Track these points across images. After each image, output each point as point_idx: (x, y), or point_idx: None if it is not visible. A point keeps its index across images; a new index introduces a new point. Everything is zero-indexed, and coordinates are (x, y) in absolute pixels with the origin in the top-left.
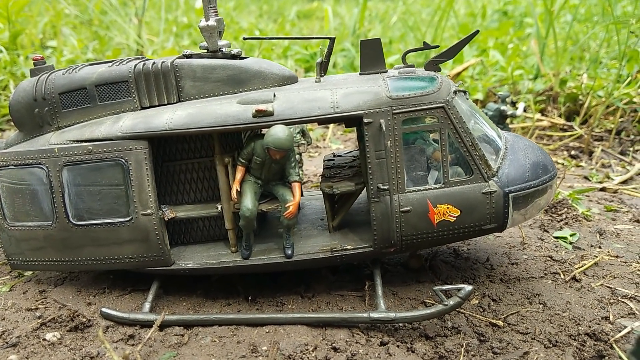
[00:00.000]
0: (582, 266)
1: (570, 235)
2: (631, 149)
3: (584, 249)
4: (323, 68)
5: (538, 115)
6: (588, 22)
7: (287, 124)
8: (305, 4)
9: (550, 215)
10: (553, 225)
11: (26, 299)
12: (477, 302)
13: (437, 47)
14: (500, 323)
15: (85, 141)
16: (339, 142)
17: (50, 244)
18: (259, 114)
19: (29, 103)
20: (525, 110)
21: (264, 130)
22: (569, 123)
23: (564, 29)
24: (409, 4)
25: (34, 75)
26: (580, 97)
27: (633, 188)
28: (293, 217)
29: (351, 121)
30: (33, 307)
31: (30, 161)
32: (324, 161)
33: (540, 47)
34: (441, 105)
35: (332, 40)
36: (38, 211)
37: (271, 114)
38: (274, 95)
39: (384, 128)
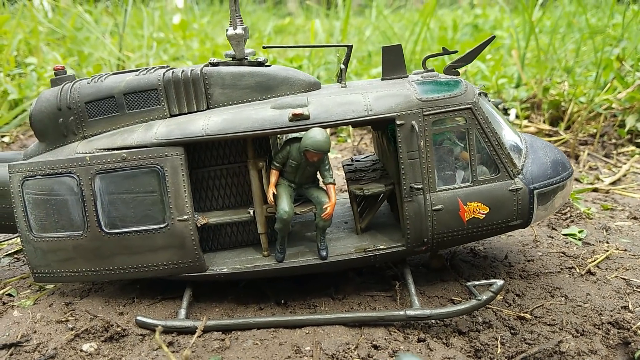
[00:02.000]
0: (595, 260)
1: (579, 232)
2: (615, 151)
3: (593, 245)
4: (342, 74)
5: (525, 122)
6: (557, 33)
7: (323, 127)
8: (277, 19)
9: (556, 215)
10: (560, 224)
11: (54, 312)
12: (502, 297)
13: (455, 52)
14: (528, 316)
15: (118, 149)
16: (335, 152)
17: (80, 254)
18: (295, 117)
19: (52, 113)
20: (517, 117)
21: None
22: (554, 129)
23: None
24: (381, 20)
25: (55, 85)
26: (563, 103)
27: (623, 188)
28: (329, 218)
29: (379, 124)
30: (63, 319)
31: (60, 170)
32: (343, 166)
33: (520, 57)
34: (468, 106)
35: (350, 47)
36: (67, 221)
37: (307, 117)
38: (308, 100)
39: (417, 129)
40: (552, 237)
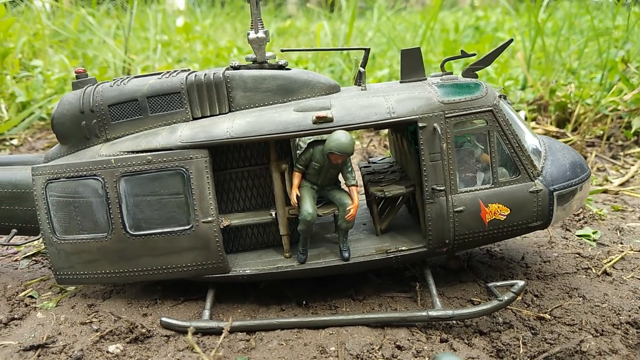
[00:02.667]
0: (610, 261)
1: (593, 233)
2: (621, 153)
3: (608, 245)
4: (360, 77)
5: (532, 124)
6: (560, 35)
7: (346, 130)
8: (277, 22)
9: (570, 216)
10: (573, 225)
11: (77, 313)
12: (521, 298)
13: (474, 55)
14: (547, 316)
15: (142, 152)
16: None
17: (104, 256)
18: (319, 120)
19: (75, 115)
20: (525, 119)
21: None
22: (561, 130)
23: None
24: (382, 22)
25: (76, 88)
26: (569, 105)
27: (632, 189)
28: (352, 220)
29: (398, 127)
30: (87, 321)
31: (84, 173)
32: (360, 168)
33: (526, 59)
34: (490, 109)
35: (368, 50)
36: (91, 223)
37: (331, 120)
38: (330, 102)
39: (439, 131)
40: (567, 239)
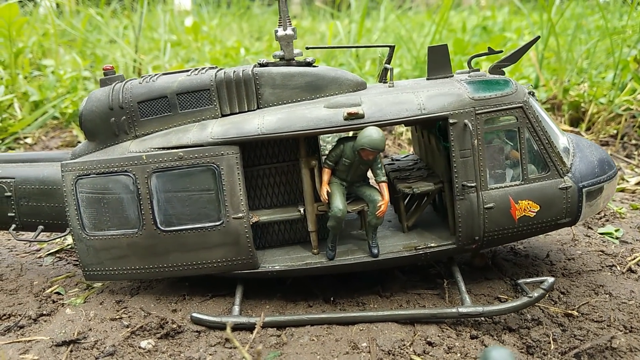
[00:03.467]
0: (635, 258)
1: (615, 231)
2: (636, 152)
3: (631, 243)
4: (386, 74)
5: None
6: (567, 35)
7: (377, 126)
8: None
9: None
10: (595, 223)
11: (106, 309)
12: (548, 295)
13: (500, 52)
14: (575, 313)
15: (173, 148)
16: None
17: (134, 252)
18: (350, 116)
19: (104, 112)
20: None
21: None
22: (575, 130)
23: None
24: (389, 21)
25: (104, 84)
26: (583, 104)
27: None
28: (383, 216)
29: (426, 124)
30: (117, 317)
31: (115, 169)
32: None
33: (538, 58)
34: (520, 105)
35: (392, 48)
36: (122, 219)
37: (362, 116)
38: (361, 99)
39: (470, 128)
40: (589, 236)
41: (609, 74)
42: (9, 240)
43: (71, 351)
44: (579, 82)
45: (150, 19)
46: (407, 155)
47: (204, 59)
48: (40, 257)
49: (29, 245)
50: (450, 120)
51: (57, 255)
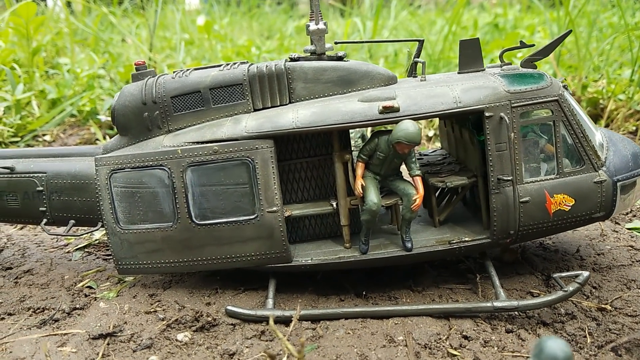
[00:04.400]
0: None
1: None
2: None
3: None
4: (415, 69)
5: None
6: (590, 32)
7: (413, 119)
8: (293, 21)
9: None
10: (622, 218)
11: (140, 303)
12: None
13: (532, 45)
14: (609, 307)
15: (208, 142)
16: None
17: (168, 245)
18: (385, 110)
19: (137, 107)
20: None
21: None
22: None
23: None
24: (400, 19)
25: (136, 79)
26: (601, 101)
27: None
28: (417, 210)
29: (460, 117)
30: (151, 310)
31: (150, 163)
32: None
33: (556, 54)
34: (555, 98)
35: (421, 42)
36: (157, 213)
37: (397, 109)
38: (395, 92)
39: (507, 121)
40: (617, 232)
41: (624, 70)
42: (36, 235)
43: (108, 344)
44: (596, 79)
45: (162, 18)
46: (435, 150)
47: (216, 58)
48: (69, 252)
49: (57, 240)
50: (486, 114)
51: (86, 250)
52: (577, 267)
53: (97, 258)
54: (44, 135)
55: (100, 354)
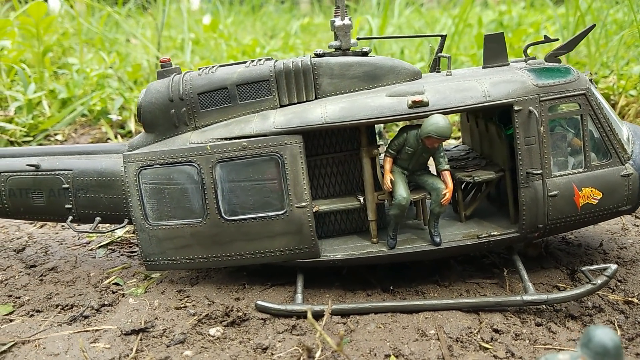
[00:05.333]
0: None
1: None
2: None
3: None
4: (438, 64)
5: None
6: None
7: (442, 114)
8: (296, 20)
9: None
10: None
11: (169, 299)
12: None
13: (556, 40)
14: (635, 300)
15: (236, 138)
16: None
17: (197, 241)
18: (415, 104)
19: (163, 104)
20: None
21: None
22: None
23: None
24: (403, 17)
25: (161, 77)
26: (612, 97)
27: None
28: (447, 204)
29: (486, 112)
30: (181, 306)
31: (180, 159)
32: None
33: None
34: (583, 92)
35: (444, 37)
36: (186, 209)
37: (427, 104)
38: (424, 87)
39: (536, 115)
40: (638, 226)
41: (632, 66)
42: (57, 233)
43: (141, 340)
44: (606, 75)
45: (168, 18)
46: (457, 146)
47: (221, 57)
48: (92, 250)
49: (79, 238)
50: (515, 107)
51: (109, 247)
52: (601, 261)
53: (121, 255)
54: (55, 134)
55: (134, 350)
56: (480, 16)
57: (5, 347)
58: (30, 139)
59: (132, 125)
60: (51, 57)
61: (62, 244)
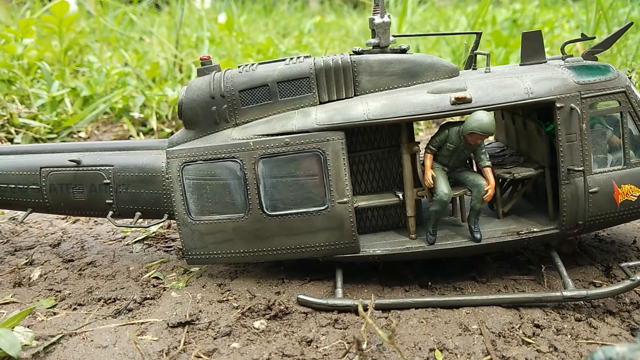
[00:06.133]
0: None
1: None
2: None
3: None
4: (473, 62)
5: None
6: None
7: (485, 110)
8: (307, 19)
9: None
10: None
11: (210, 292)
12: None
13: (594, 38)
14: None
15: (277, 135)
16: None
17: (239, 236)
18: (458, 101)
19: (205, 101)
20: None
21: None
22: None
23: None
24: (418, 15)
25: (202, 74)
26: None
27: None
28: (488, 200)
29: (527, 109)
30: (224, 299)
31: (223, 155)
32: None
33: (585, 48)
34: (623, 90)
35: (479, 35)
36: (228, 204)
37: (470, 100)
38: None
39: (578, 112)
40: None
41: None
42: (91, 229)
43: (187, 332)
44: (628, 73)
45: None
46: (490, 143)
47: (236, 56)
48: (128, 245)
49: (114, 233)
50: (557, 105)
51: (145, 242)
52: (635, 258)
53: (158, 250)
54: (78, 131)
55: (182, 342)
56: (494, 15)
57: (54, 339)
58: (54, 135)
59: (153, 122)
60: (69, 56)
61: (97, 239)
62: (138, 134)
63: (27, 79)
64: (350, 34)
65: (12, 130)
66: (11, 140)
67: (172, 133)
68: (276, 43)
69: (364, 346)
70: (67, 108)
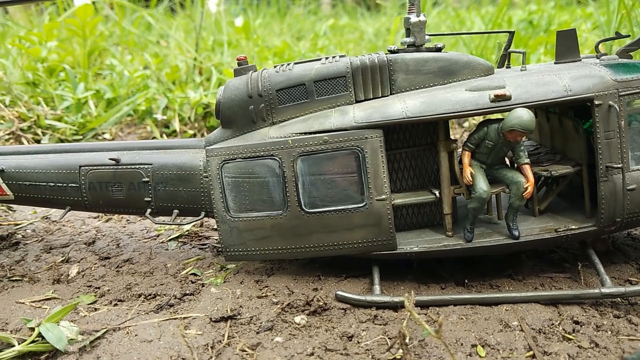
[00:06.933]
0: None
1: None
2: None
3: None
4: (506, 60)
5: None
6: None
7: (525, 107)
8: (321, 21)
9: None
10: None
11: (249, 288)
12: None
13: (628, 36)
14: None
15: (316, 133)
16: None
17: (277, 233)
18: (497, 98)
19: (242, 100)
20: None
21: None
22: None
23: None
24: (433, 16)
25: (238, 74)
26: None
27: None
28: (527, 198)
29: (563, 106)
30: (263, 295)
31: (262, 153)
32: None
33: (608, 48)
34: None
35: (512, 33)
36: (267, 201)
37: (509, 98)
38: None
39: (617, 109)
40: None
41: None
42: (124, 227)
43: (230, 326)
44: None
45: (194, 20)
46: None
47: (252, 59)
48: (163, 242)
49: (147, 231)
50: (596, 102)
51: (179, 240)
52: None
53: (193, 247)
54: (103, 133)
55: (226, 336)
56: (510, 16)
57: (98, 334)
58: (80, 137)
59: (176, 124)
60: (90, 59)
61: (132, 237)
62: (161, 135)
63: (51, 81)
64: (364, 36)
65: (39, 131)
66: (38, 142)
67: (194, 135)
68: (292, 46)
69: (407, 341)
70: (91, 110)
